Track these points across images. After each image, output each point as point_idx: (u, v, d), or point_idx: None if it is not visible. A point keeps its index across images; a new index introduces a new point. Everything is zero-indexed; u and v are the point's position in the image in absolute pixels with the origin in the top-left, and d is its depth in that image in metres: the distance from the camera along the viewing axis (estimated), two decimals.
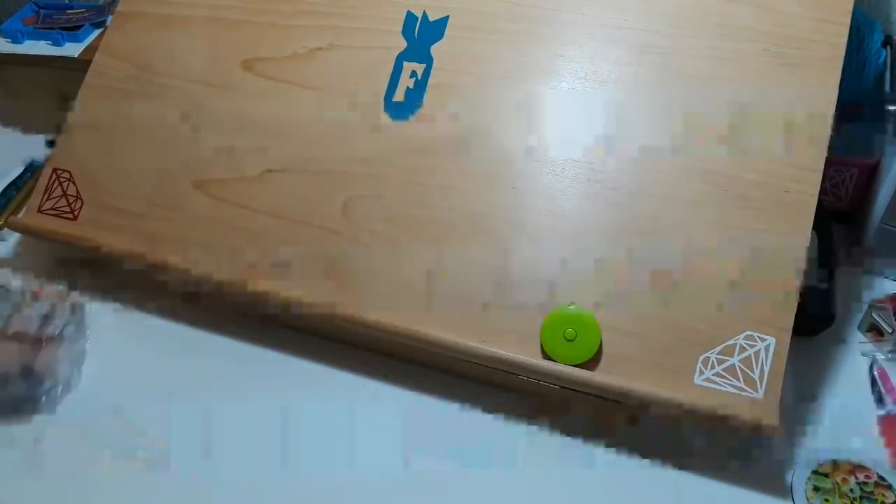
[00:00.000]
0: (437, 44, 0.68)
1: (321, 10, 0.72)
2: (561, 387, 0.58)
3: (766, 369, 0.54)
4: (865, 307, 0.68)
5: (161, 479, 0.58)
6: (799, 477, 0.56)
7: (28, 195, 0.79)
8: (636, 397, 0.55)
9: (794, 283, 0.56)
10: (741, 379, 0.55)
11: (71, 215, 0.71)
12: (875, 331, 0.67)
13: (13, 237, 0.78)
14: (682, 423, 0.56)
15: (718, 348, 0.56)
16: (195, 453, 0.60)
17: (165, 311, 0.70)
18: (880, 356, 0.64)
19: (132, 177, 0.71)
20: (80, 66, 0.80)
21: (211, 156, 0.70)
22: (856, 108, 0.71)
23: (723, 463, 0.58)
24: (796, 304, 0.55)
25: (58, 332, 0.64)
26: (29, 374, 0.62)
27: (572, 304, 0.58)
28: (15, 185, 0.83)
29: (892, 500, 0.55)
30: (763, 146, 0.59)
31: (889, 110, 0.71)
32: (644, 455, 0.59)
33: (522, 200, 0.62)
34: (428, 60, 0.67)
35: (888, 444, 0.58)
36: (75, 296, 0.69)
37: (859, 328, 0.67)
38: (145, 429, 0.61)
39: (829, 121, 0.58)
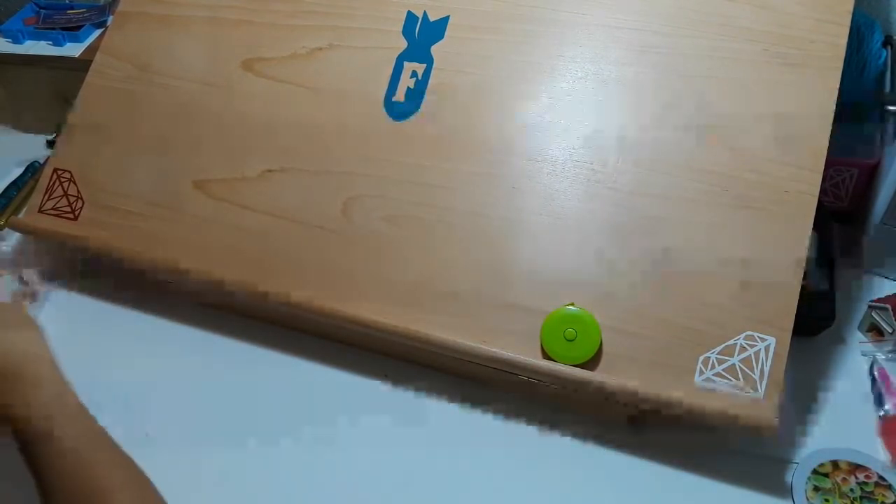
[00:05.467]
0: (437, 44, 0.68)
1: (321, 10, 0.72)
2: (561, 387, 0.58)
3: (767, 369, 0.54)
4: (865, 307, 0.68)
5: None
6: (799, 477, 0.56)
7: (28, 195, 0.79)
8: (636, 397, 0.55)
9: (794, 284, 0.55)
10: (741, 379, 0.55)
11: (71, 215, 0.71)
12: (875, 331, 0.66)
13: (13, 237, 0.78)
14: (681, 422, 0.56)
15: (719, 348, 0.56)
16: (198, 453, 0.60)
17: (165, 310, 0.71)
18: (880, 356, 0.64)
19: (132, 177, 0.71)
20: (80, 66, 0.80)
21: (211, 156, 0.70)
22: (856, 108, 0.71)
23: (723, 463, 0.58)
24: (796, 304, 0.55)
25: None
26: None
27: (572, 304, 0.58)
28: (15, 185, 0.83)
29: (892, 500, 0.55)
30: (763, 146, 0.59)
31: (889, 110, 0.71)
32: (644, 455, 0.59)
33: (522, 200, 0.62)
34: (428, 60, 0.67)
35: (888, 445, 0.58)
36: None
37: (859, 328, 0.67)
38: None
39: (829, 121, 0.58)
